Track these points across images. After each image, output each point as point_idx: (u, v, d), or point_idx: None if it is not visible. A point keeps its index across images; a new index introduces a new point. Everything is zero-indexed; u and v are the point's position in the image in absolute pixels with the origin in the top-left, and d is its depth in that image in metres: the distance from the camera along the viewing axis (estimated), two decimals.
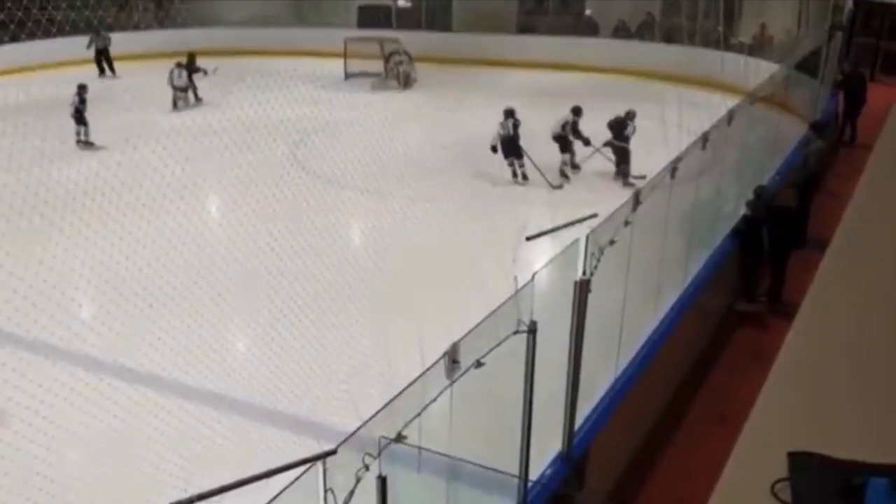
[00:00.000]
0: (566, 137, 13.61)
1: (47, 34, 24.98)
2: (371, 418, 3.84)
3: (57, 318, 7.27)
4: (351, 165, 14.39)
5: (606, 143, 13.83)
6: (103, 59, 24.19)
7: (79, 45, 24.67)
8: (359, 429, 3.78)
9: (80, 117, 16.33)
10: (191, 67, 20.38)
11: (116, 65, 24.46)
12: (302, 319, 8.04)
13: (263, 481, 3.72)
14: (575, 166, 14.05)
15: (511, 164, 13.54)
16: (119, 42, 24.87)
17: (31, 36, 24.56)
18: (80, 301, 9.09)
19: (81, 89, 16.84)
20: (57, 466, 5.45)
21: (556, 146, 13.80)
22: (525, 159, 13.41)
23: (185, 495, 3.64)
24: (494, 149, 13.46)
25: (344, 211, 12.55)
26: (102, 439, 5.78)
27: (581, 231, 5.57)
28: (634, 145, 13.73)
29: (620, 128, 13.69)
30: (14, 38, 24.47)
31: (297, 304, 8.56)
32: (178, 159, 13.74)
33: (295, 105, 18.59)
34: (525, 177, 13.50)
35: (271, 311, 8.47)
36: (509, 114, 13.47)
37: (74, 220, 11.31)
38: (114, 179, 12.74)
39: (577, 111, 13.93)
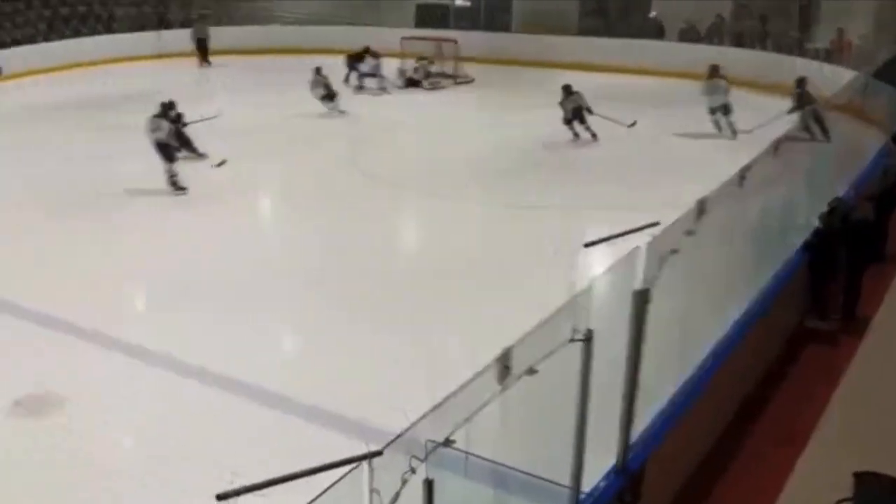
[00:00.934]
0: (727, 104, 15.41)
1: (109, 30, 26.05)
2: (418, 421, 3.87)
3: (112, 309, 7.50)
4: (406, 166, 14.53)
5: (799, 111, 14.44)
6: (202, 48, 25.19)
7: (139, 41, 25.46)
8: (406, 431, 3.81)
9: (329, 95, 18.08)
10: (354, 63, 21.30)
11: (175, 60, 25.08)
12: (352, 318, 8.14)
13: (308, 478, 3.79)
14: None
15: (572, 127, 15.51)
16: (177, 39, 25.55)
17: (93, 31, 25.61)
18: (133, 293, 9.37)
19: (318, 70, 18.26)
20: (109, 452, 5.63)
21: None
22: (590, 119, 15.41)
23: (231, 487, 3.73)
24: (568, 121, 15.52)
25: (398, 211, 12.68)
26: (152, 429, 5.95)
27: (642, 239, 5.53)
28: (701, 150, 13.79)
29: (805, 96, 14.41)
30: (76, 34, 25.48)
31: (349, 303, 8.67)
32: (236, 157, 14.15)
33: (351, 104, 18.93)
34: (595, 135, 15.43)
35: (322, 309, 8.60)
36: (570, 88, 15.48)
37: (131, 214, 11.71)
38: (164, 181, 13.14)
39: (715, 70, 15.77)
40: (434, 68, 22.38)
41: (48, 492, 5.22)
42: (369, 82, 21.21)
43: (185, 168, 13.09)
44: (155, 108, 13.19)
